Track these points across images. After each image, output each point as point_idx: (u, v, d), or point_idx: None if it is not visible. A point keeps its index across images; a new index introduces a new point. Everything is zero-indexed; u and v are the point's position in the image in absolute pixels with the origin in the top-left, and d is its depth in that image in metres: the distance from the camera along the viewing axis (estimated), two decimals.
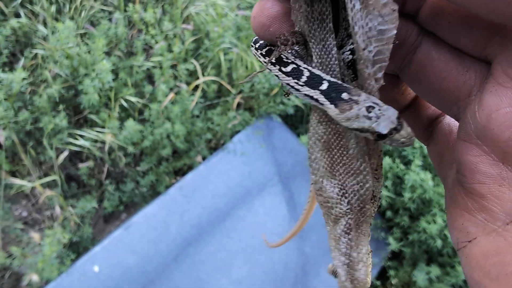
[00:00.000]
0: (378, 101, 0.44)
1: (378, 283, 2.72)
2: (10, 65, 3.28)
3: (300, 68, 0.47)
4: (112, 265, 2.55)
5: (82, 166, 2.91)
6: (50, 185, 2.99)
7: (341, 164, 0.47)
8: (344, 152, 0.47)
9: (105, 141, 2.90)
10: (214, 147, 3.25)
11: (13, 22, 3.22)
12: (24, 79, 2.91)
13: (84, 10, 3.41)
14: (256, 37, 0.52)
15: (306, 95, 0.47)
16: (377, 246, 2.71)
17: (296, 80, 0.47)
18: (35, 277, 2.52)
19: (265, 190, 2.85)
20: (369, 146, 0.49)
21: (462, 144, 0.44)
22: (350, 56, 0.47)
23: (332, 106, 0.45)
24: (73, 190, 3.05)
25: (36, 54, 3.17)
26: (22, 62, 3.15)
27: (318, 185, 0.48)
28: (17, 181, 2.84)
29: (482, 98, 0.42)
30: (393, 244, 2.60)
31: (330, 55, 0.46)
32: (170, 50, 3.29)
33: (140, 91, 3.20)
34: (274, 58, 0.48)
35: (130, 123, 2.80)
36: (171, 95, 2.97)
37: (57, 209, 2.77)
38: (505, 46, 0.40)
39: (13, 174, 3.02)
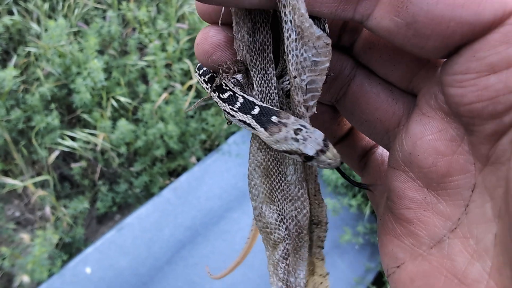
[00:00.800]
0: (306, 124, 0.45)
1: None
2: (3, 63, 3.24)
3: (236, 95, 0.48)
4: (105, 267, 2.52)
5: (75, 166, 2.88)
6: (43, 185, 2.96)
7: (279, 190, 0.48)
8: (283, 179, 0.48)
9: (96, 141, 2.86)
10: (208, 148, 3.22)
11: (6, 19, 3.18)
12: (16, 77, 2.88)
13: (77, 8, 3.37)
14: (202, 67, 0.53)
15: (240, 120, 0.48)
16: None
17: (231, 106, 0.48)
18: (26, 278, 2.49)
19: None
20: (306, 171, 0.50)
21: (391, 171, 0.47)
22: (289, 86, 0.48)
23: (262, 129, 0.45)
24: (66, 190, 3.02)
25: (29, 52, 3.12)
26: (14, 60, 3.11)
27: (257, 211, 0.49)
28: (9, 181, 2.80)
29: (408, 127, 0.45)
30: None
31: (270, 84, 0.48)
32: (164, 49, 3.26)
33: (133, 90, 3.17)
34: (215, 85, 0.48)
35: (123, 123, 2.77)
36: (165, 95, 2.94)
37: (47, 210, 2.74)
38: (428, 79, 0.44)
39: (5, 173, 2.98)
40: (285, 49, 0.43)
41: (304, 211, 0.48)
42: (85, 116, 2.95)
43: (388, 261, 0.47)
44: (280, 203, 0.48)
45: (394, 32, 0.38)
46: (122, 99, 2.96)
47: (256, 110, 0.46)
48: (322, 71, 0.43)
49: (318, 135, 0.44)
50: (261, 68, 0.47)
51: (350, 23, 0.48)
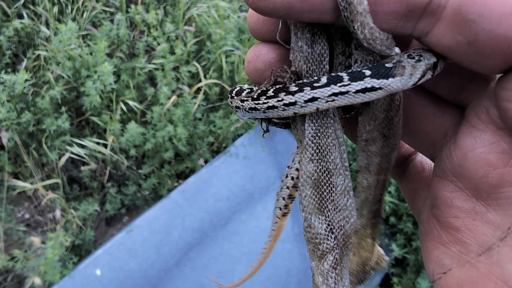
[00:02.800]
0: (395, 48, 0.44)
1: None
2: (13, 66, 3.27)
3: (321, 78, 0.44)
4: (114, 268, 2.54)
5: (84, 169, 2.91)
6: (53, 187, 2.98)
7: (330, 201, 0.48)
8: (333, 189, 0.48)
9: (105, 148, 2.89)
10: (216, 150, 3.24)
11: (16, 23, 3.21)
12: (26, 80, 2.90)
13: (86, 11, 3.39)
14: (235, 88, 0.52)
15: (359, 90, 0.44)
16: None
17: (339, 83, 0.44)
18: (37, 280, 2.51)
19: (268, 194, 2.83)
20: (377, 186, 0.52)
21: (438, 181, 0.47)
22: None
23: (392, 79, 0.43)
24: (75, 192, 3.05)
25: (38, 55, 3.15)
26: (24, 63, 3.14)
27: (307, 222, 0.49)
28: (19, 183, 2.83)
29: (458, 139, 0.45)
30: (397, 251, 2.59)
31: None
32: (172, 52, 3.28)
33: (142, 93, 3.19)
34: (269, 88, 0.46)
35: (132, 126, 2.79)
36: (173, 97, 2.96)
37: (57, 213, 2.76)
38: (479, 92, 0.44)
39: (15, 175, 3.01)
40: (353, 62, 0.45)
41: (352, 220, 0.49)
42: (94, 118, 2.97)
43: (433, 267, 0.47)
44: (330, 213, 0.48)
45: (454, 49, 0.38)
46: (131, 102, 2.98)
47: (367, 72, 0.43)
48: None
49: (422, 49, 0.44)
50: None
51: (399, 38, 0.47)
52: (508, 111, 0.38)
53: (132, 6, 3.37)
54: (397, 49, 0.43)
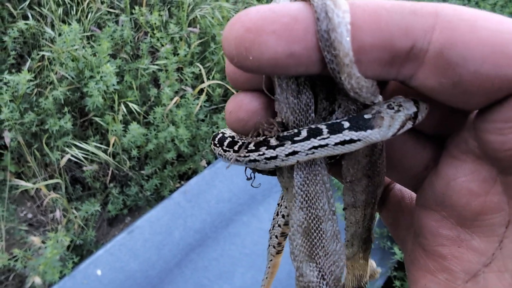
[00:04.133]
0: (378, 97, 0.44)
1: None
2: (17, 67, 3.29)
3: (301, 131, 0.45)
4: (115, 269, 2.54)
5: (87, 169, 2.91)
6: (56, 187, 2.99)
7: (320, 247, 0.48)
8: (323, 235, 0.48)
9: (106, 153, 2.89)
10: None
11: (21, 24, 3.23)
12: (30, 80, 2.92)
13: (91, 12, 3.41)
14: (218, 134, 0.51)
15: (338, 143, 0.44)
16: (382, 255, 2.68)
17: (319, 137, 0.44)
18: (37, 280, 2.51)
19: (270, 196, 2.82)
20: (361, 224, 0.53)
21: (421, 210, 0.48)
22: None
23: (370, 131, 0.43)
24: (77, 192, 3.05)
25: (43, 56, 3.17)
26: (28, 64, 3.15)
27: (299, 272, 0.48)
28: (22, 183, 2.84)
29: (439, 170, 0.45)
30: (399, 254, 2.56)
31: None
32: (175, 53, 3.28)
33: (145, 94, 3.19)
34: (254, 141, 0.46)
35: (134, 127, 2.79)
36: (176, 98, 2.96)
37: (58, 213, 2.77)
38: (457, 124, 0.45)
39: (18, 175, 3.02)
40: (336, 107, 0.45)
41: (341, 264, 0.48)
42: (97, 119, 2.98)
43: None
44: (321, 260, 0.48)
45: (438, 91, 0.38)
46: (132, 105, 2.99)
47: (345, 124, 0.44)
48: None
49: (402, 98, 0.45)
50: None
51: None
52: (490, 142, 0.39)
53: (136, 7, 3.38)
54: (380, 97, 0.43)
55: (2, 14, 3.37)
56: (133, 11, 3.41)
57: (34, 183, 2.88)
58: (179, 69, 3.30)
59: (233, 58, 0.37)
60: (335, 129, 0.44)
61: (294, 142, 0.44)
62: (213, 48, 3.34)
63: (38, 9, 3.39)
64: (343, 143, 0.44)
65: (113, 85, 2.87)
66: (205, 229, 2.71)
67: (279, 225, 0.61)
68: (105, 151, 2.97)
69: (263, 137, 0.45)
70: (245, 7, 3.74)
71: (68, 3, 3.45)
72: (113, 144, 2.89)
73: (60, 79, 3.05)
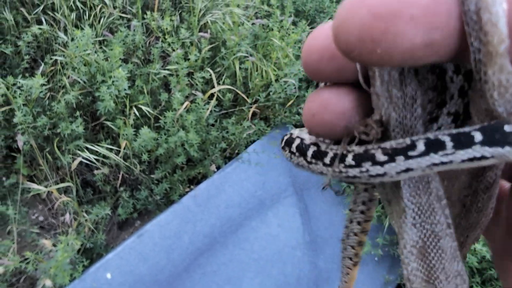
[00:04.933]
0: None
1: None
2: (31, 71, 3.33)
3: (415, 143, 0.36)
4: (125, 272, 2.55)
5: (97, 172, 2.94)
6: (67, 191, 3.02)
7: (439, 270, 0.40)
8: (443, 255, 0.40)
9: (117, 155, 2.91)
10: (228, 156, 3.24)
11: (35, 28, 3.27)
12: (43, 85, 2.95)
13: (103, 17, 3.44)
14: (293, 139, 0.42)
15: (465, 160, 0.35)
16: (392, 262, 2.66)
17: (441, 151, 0.35)
18: (48, 282, 2.54)
19: (279, 201, 2.82)
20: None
21: None
22: None
23: (509, 148, 0.33)
24: (88, 196, 3.08)
25: (56, 61, 3.21)
26: (41, 68, 3.19)
27: None
28: (34, 186, 2.87)
29: None
30: None
31: None
32: (186, 58, 3.30)
33: (156, 98, 3.21)
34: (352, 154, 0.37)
35: (145, 131, 2.81)
36: (186, 103, 2.98)
37: (67, 216, 2.79)
38: None
39: (30, 178, 3.06)
40: (448, 99, 0.37)
41: (465, 286, 0.40)
42: (108, 123, 3.00)
43: None
44: (442, 284, 0.40)
45: None
46: (144, 108, 3.01)
47: (478, 136, 0.34)
48: None
49: None
50: (409, 126, 0.38)
51: None
52: None
53: (148, 12, 3.41)
54: None
55: (16, 19, 3.42)
56: (145, 16, 3.44)
57: (45, 186, 2.91)
58: (189, 74, 3.32)
59: (352, 51, 0.29)
60: (462, 142, 0.34)
61: (408, 157, 0.35)
62: (223, 53, 3.36)
63: (51, 14, 3.43)
64: (472, 159, 0.34)
65: (125, 89, 2.89)
66: (214, 234, 2.71)
67: (354, 234, 0.51)
68: (116, 154, 3.00)
69: (364, 149, 0.36)
70: (256, 13, 3.76)
71: (81, 8, 3.49)
72: (124, 148, 2.91)
73: (72, 83, 3.08)
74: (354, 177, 0.37)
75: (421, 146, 0.34)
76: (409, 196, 0.38)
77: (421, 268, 0.39)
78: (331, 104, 0.35)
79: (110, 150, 2.96)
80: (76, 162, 2.85)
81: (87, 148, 2.92)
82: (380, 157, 0.35)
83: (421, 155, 0.34)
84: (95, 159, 2.92)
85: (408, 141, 0.35)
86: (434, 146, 0.34)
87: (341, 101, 0.35)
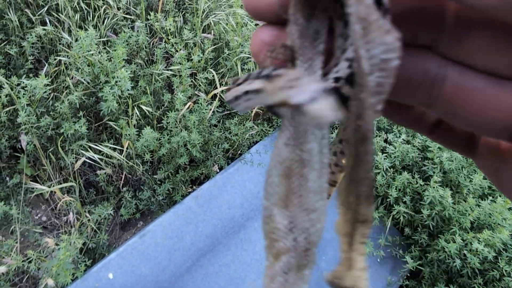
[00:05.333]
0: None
1: None
2: (35, 71, 3.35)
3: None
4: (127, 273, 2.55)
5: (100, 173, 2.94)
6: (70, 191, 3.03)
7: (296, 195, 0.40)
8: (303, 183, 0.40)
9: (120, 154, 2.92)
10: (231, 157, 3.24)
11: (39, 29, 3.29)
12: (46, 85, 2.96)
13: (107, 18, 3.46)
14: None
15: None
16: (394, 264, 2.65)
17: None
18: (50, 282, 2.54)
19: None
20: (358, 170, 0.43)
21: None
22: (333, 84, 0.40)
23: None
24: (91, 196, 3.08)
25: (59, 61, 3.22)
26: (45, 68, 3.21)
27: (268, 212, 0.41)
28: (37, 186, 2.88)
29: None
30: (411, 263, 2.53)
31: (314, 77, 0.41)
32: (189, 59, 3.30)
33: (159, 99, 3.22)
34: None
35: (147, 131, 2.81)
36: (189, 103, 2.98)
37: (71, 216, 2.80)
38: None
39: (34, 178, 3.07)
40: (354, 45, 0.37)
41: (318, 226, 0.39)
42: (111, 123, 3.01)
43: None
44: (295, 209, 0.40)
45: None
46: (145, 108, 3.01)
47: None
48: (391, 71, 0.36)
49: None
50: (308, 58, 0.40)
51: (428, 18, 0.39)
52: None
53: (152, 13, 3.42)
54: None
55: (21, 20, 3.44)
56: (148, 17, 3.45)
57: (49, 186, 2.92)
58: (192, 75, 3.32)
59: None
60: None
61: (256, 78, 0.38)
62: (226, 54, 3.36)
63: (56, 15, 3.44)
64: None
65: (128, 90, 2.90)
66: (216, 235, 2.71)
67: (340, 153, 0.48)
68: (119, 155, 3.00)
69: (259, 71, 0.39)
70: None
71: (85, 9, 3.50)
72: (127, 148, 2.91)
73: (76, 83, 3.09)
74: (246, 94, 0.39)
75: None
76: (290, 118, 0.39)
77: (281, 186, 0.40)
78: (258, 35, 0.38)
79: (114, 149, 2.97)
80: (79, 162, 2.86)
81: (90, 148, 2.93)
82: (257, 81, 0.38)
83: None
84: (98, 158, 2.93)
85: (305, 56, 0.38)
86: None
87: (267, 33, 0.38)
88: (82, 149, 2.92)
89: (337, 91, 0.39)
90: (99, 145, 2.93)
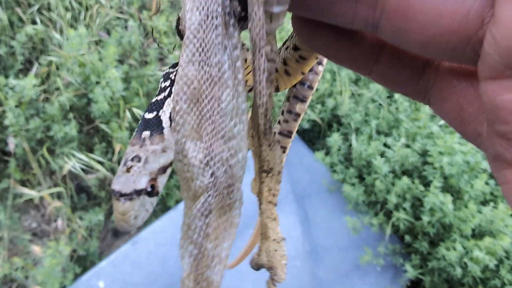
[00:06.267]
0: (154, 161, 0.39)
1: None
2: (26, 72, 3.26)
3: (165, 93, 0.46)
4: (118, 281, 2.47)
5: (91, 177, 2.86)
6: (60, 196, 2.94)
7: (210, 121, 0.35)
8: (216, 106, 0.35)
9: (99, 168, 2.84)
10: None
11: (29, 28, 3.20)
12: (35, 86, 2.88)
13: (99, 18, 3.37)
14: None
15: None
16: (395, 273, 2.58)
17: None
18: None
19: (279, 209, 2.72)
20: (255, 101, 0.37)
21: (489, 85, 0.33)
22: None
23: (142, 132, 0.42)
24: (83, 201, 3.00)
25: (50, 61, 3.13)
26: (35, 69, 3.12)
27: (180, 147, 0.36)
28: (25, 191, 2.79)
29: (497, 16, 0.30)
30: (411, 272, 2.46)
31: None
32: None
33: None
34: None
35: None
36: None
37: (59, 222, 2.72)
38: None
39: (23, 183, 2.98)
40: None
41: (240, 155, 0.36)
42: (102, 126, 2.92)
43: None
44: (209, 138, 0.35)
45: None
46: (136, 110, 2.94)
47: (150, 115, 0.44)
48: None
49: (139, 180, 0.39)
50: None
51: None
52: None
53: (145, 12, 3.34)
54: None
55: (11, 19, 3.35)
56: (141, 16, 3.37)
57: (38, 191, 2.83)
58: None
59: None
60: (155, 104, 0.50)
61: None
62: None
63: (47, 14, 3.36)
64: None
65: (119, 91, 2.82)
66: None
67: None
68: (111, 158, 2.92)
69: None
70: None
71: (77, 8, 3.42)
72: (119, 152, 2.83)
73: (67, 84, 3.01)
74: None
75: None
76: (193, 29, 0.34)
77: (192, 113, 0.35)
78: None
79: (106, 153, 2.89)
80: (66, 168, 2.78)
81: (81, 151, 2.85)
82: None
83: None
84: (88, 165, 2.85)
85: None
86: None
87: None
88: (72, 155, 2.84)
89: (233, 13, 0.35)
90: (87, 154, 2.85)
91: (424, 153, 2.76)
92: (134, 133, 0.40)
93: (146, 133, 0.38)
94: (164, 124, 0.40)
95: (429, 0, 0.33)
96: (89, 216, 2.75)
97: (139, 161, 0.38)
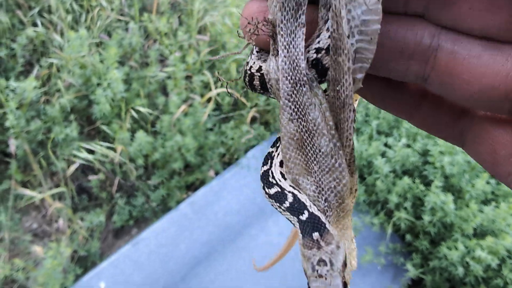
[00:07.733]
0: (337, 261, 0.44)
1: None
2: (26, 74, 3.27)
3: (284, 192, 0.48)
4: (119, 282, 2.47)
5: (93, 178, 2.86)
6: (61, 197, 2.94)
7: (315, 162, 0.46)
8: (317, 150, 0.46)
9: (113, 155, 2.84)
10: (227, 162, 3.16)
11: (29, 31, 3.21)
12: (36, 88, 2.88)
13: (100, 20, 3.38)
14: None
15: (287, 218, 0.48)
16: (396, 272, 2.57)
17: (278, 204, 0.48)
18: None
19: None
20: (341, 141, 0.47)
21: None
22: (314, 55, 0.44)
23: (301, 235, 0.45)
24: (84, 202, 3.00)
25: (51, 63, 3.14)
26: (35, 71, 3.13)
27: (295, 183, 0.48)
28: (26, 192, 2.80)
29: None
30: (412, 271, 2.45)
31: (298, 50, 0.43)
32: (184, 61, 3.23)
33: (153, 102, 3.14)
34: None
35: (140, 135, 2.74)
36: (184, 106, 2.90)
37: (61, 223, 2.72)
38: None
39: (24, 184, 2.98)
40: (334, 5, 0.40)
41: (344, 181, 0.46)
42: (104, 127, 2.93)
43: None
44: (317, 174, 0.46)
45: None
46: (143, 109, 2.94)
47: (304, 216, 0.46)
48: (373, 34, 0.38)
49: (335, 283, 0.44)
50: (291, 31, 0.43)
51: None
52: None
53: (145, 14, 3.35)
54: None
55: (12, 22, 3.36)
56: (142, 18, 3.38)
57: (40, 192, 2.83)
58: (188, 77, 3.24)
59: None
60: (294, 211, 0.47)
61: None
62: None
63: (48, 17, 3.37)
64: (290, 221, 0.47)
65: (121, 92, 2.82)
66: (212, 242, 2.63)
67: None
68: (112, 160, 2.92)
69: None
70: None
71: (78, 10, 3.43)
72: (120, 154, 2.84)
73: (68, 86, 3.01)
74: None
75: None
76: (287, 95, 0.44)
77: (300, 157, 0.47)
78: (250, 7, 0.43)
79: (108, 148, 2.89)
80: (72, 168, 2.78)
81: (83, 148, 2.85)
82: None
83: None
84: (90, 160, 2.85)
85: (288, 28, 0.43)
86: (279, 198, 0.48)
87: (252, 6, 0.43)
88: (76, 150, 2.84)
89: (318, 62, 0.44)
90: (92, 145, 2.86)
91: (425, 153, 2.76)
92: (300, 232, 0.45)
93: (316, 235, 0.44)
94: (323, 220, 0.46)
95: (474, 60, 0.38)
96: (90, 217, 2.75)
97: (325, 264, 0.43)
